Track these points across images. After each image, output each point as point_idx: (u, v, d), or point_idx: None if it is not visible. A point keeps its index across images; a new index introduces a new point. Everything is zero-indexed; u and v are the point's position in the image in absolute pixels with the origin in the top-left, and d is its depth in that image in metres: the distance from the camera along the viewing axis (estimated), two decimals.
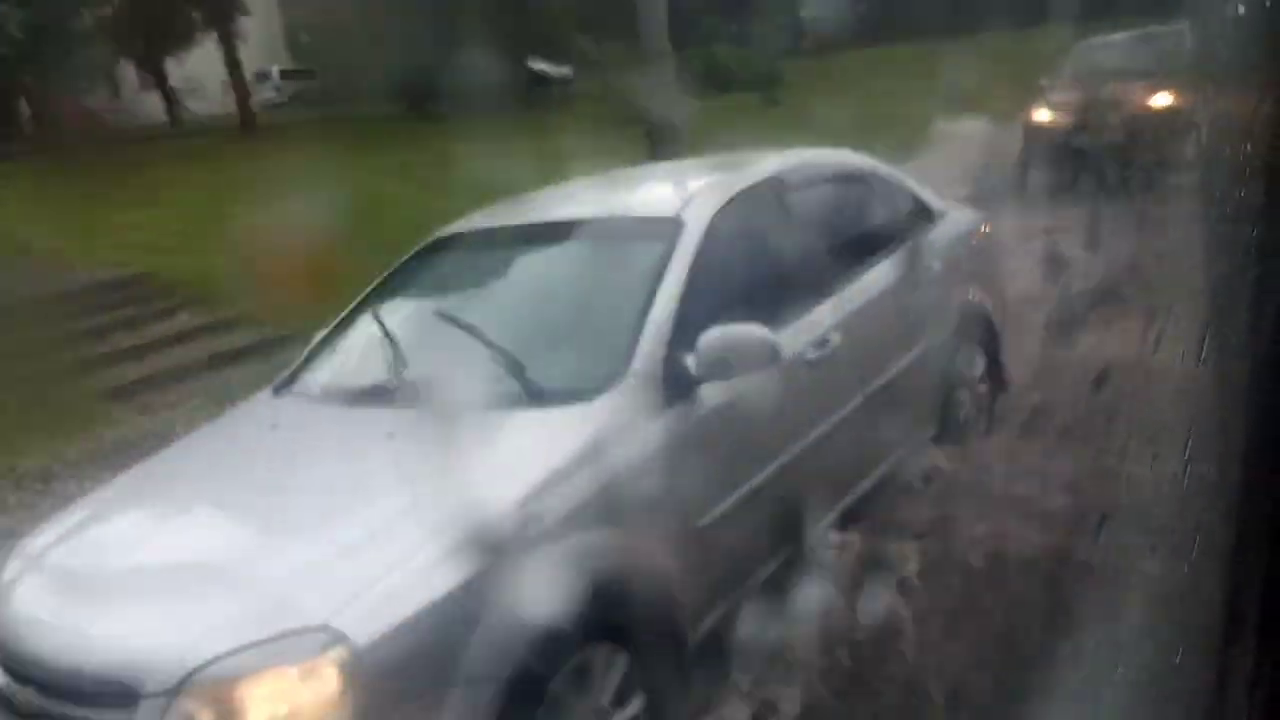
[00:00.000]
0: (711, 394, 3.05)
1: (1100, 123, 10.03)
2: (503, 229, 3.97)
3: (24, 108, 24.38)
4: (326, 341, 3.81)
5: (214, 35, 23.96)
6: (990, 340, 4.66)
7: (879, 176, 4.48)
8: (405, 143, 16.88)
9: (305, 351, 3.81)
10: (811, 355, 3.49)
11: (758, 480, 3.18)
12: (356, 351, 3.65)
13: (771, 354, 2.98)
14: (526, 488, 2.60)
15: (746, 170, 3.94)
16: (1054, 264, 7.02)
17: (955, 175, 10.47)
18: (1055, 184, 9.56)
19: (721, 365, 2.97)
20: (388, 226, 9.97)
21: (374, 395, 3.27)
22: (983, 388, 4.64)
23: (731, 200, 3.58)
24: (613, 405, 2.86)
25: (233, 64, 23.87)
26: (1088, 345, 5.23)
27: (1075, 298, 6.22)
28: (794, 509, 3.39)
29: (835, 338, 3.59)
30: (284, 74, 30.15)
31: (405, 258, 3.96)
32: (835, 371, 3.57)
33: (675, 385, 2.97)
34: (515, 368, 3.09)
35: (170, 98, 25.54)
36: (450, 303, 3.58)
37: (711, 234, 3.37)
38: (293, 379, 3.69)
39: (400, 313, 3.66)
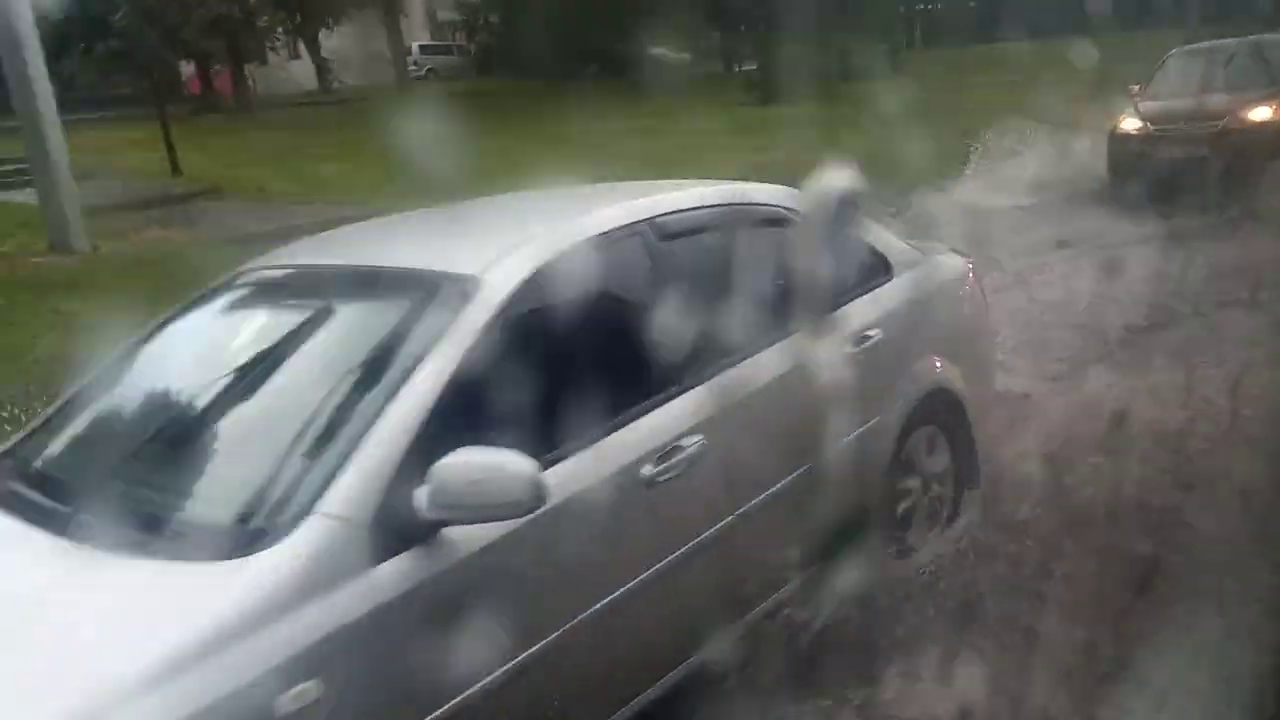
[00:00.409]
0: (465, 539, 2.12)
1: (1192, 135, 9.49)
2: (293, 274, 3.00)
3: (187, 71, 27.06)
4: (76, 404, 2.73)
5: (368, 11, 25.40)
6: (957, 424, 3.66)
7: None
8: (551, 114, 17.11)
9: (47, 412, 2.82)
10: (650, 471, 2.53)
11: (518, 662, 2.19)
12: (72, 430, 2.65)
13: (529, 496, 2.07)
14: (79, 703, 1.68)
15: (608, 211, 2.96)
16: (1115, 288, 6.36)
17: (1036, 183, 9.95)
18: (1139, 197, 8.94)
19: (462, 507, 2.07)
20: (562, 180, 11.64)
21: (30, 506, 2.33)
22: (941, 486, 3.62)
23: (567, 254, 2.64)
24: (278, 564, 1.92)
25: (395, 38, 25.52)
26: (1132, 402, 4.39)
27: (1129, 333, 5.56)
28: (583, 691, 2.41)
29: (695, 444, 2.65)
30: (423, 49, 31.14)
31: (190, 301, 2.94)
32: (691, 490, 2.63)
33: (398, 530, 2.05)
34: (164, 493, 2.22)
35: (323, 68, 27.01)
36: (167, 380, 2.68)
37: (520, 302, 2.46)
38: (28, 447, 2.66)
39: (124, 385, 2.74)
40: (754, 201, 3.43)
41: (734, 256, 3.15)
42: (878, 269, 3.55)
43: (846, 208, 3.38)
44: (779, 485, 2.94)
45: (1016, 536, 3.53)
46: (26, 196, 12.17)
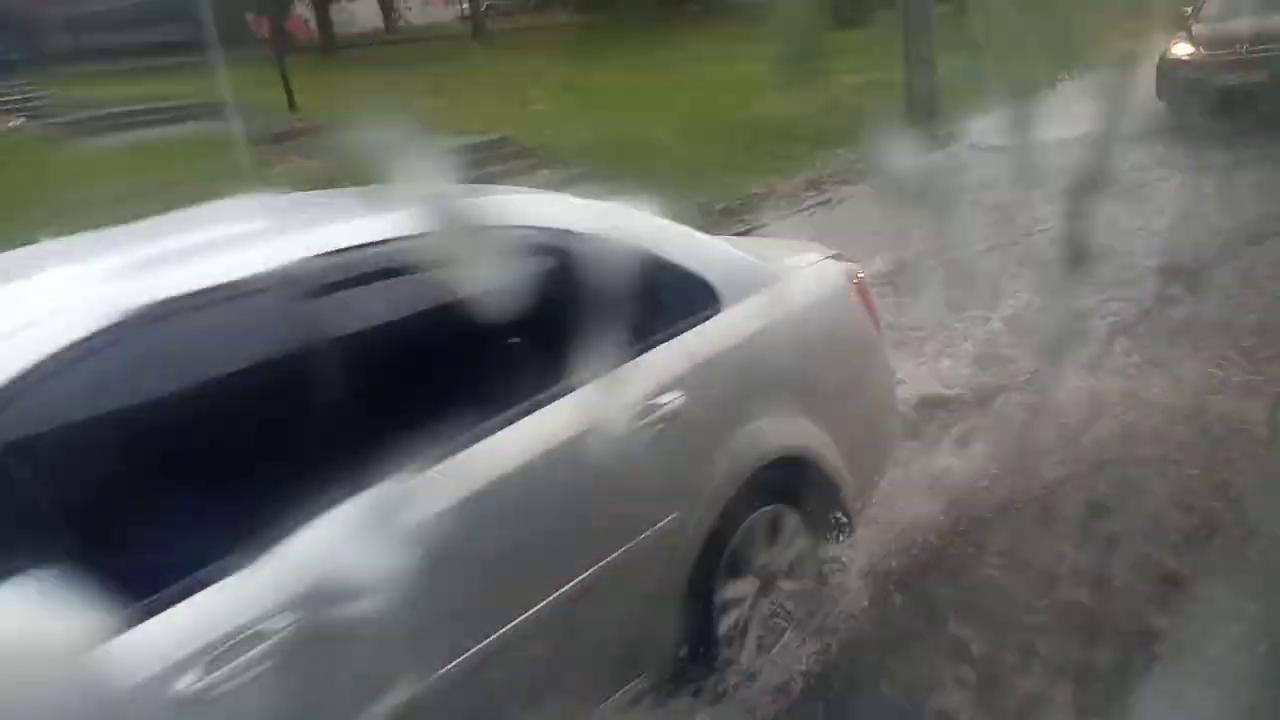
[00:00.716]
0: None
1: (1249, 59, 8.90)
2: None
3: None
4: None
5: None
6: (819, 498, 2.85)
7: (596, 244, 2.46)
8: (626, 46, 17.68)
9: None
10: (188, 685, 1.67)
11: None
12: None
13: None
14: None
15: (222, 259, 2.00)
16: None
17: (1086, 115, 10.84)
18: (1192, 129, 8.53)
19: None
20: (664, 107, 12.34)
21: None
22: (793, 584, 2.82)
23: (120, 331, 1.78)
24: None
25: None
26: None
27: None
28: None
29: (283, 621, 1.77)
30: None
31: None
32: (283, 687, 1.75)
33: None
34: None
35: (388, 7, 27.37)
36: None
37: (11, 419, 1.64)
38: None
39: None
40: (502, 224, 2.45)
41: (451, 312, 2.16)
42: (694, 303, 2.67)
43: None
44: (485, 642, 2.09)
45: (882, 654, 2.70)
46: (163, 134, 13.17)
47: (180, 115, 13.23)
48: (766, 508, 2.75)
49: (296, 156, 11.17)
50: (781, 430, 2.80)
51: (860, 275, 3.20)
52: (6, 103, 14.84)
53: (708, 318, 2.68)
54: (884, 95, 11.42)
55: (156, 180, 9.82)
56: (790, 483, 2.81)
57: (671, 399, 2.49)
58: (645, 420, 2.44)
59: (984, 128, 10.32)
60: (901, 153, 9.27)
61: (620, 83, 14.26)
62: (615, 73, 15.05)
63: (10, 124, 14.05)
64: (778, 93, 11.24)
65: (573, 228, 2.50)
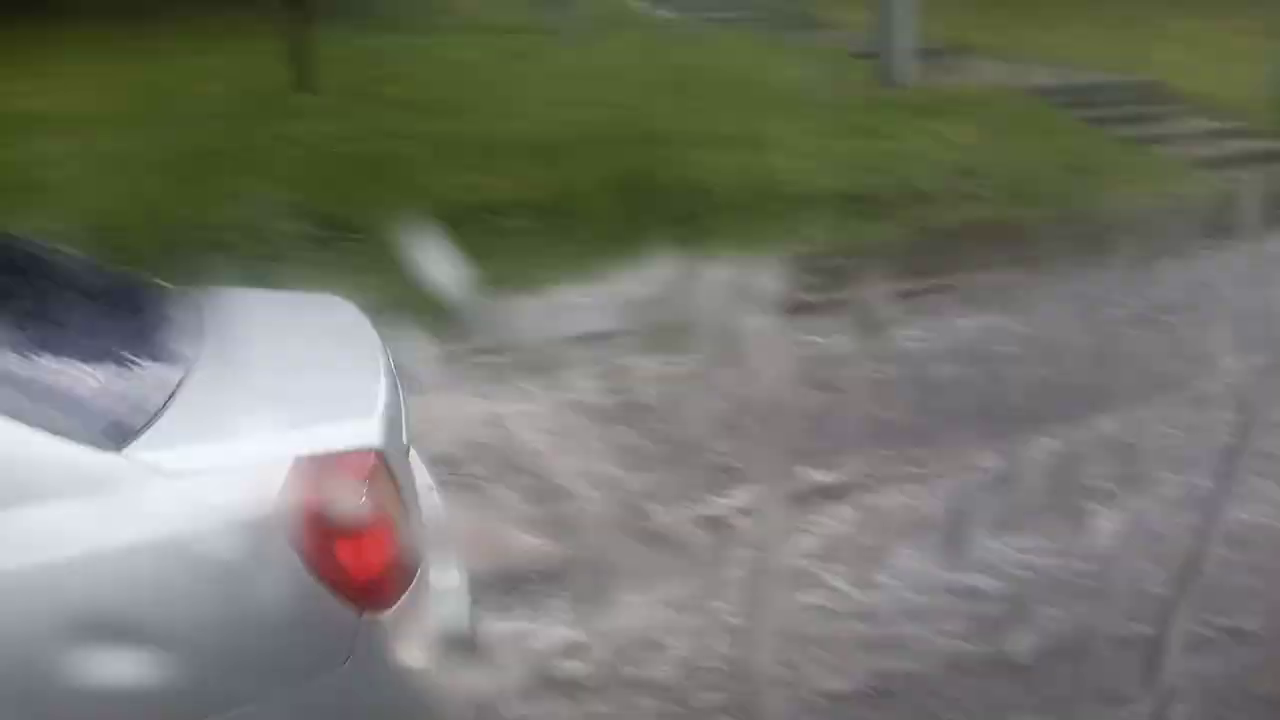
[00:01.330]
0: None
1: None
2: None
3: None
4: None
5: None
6: None
7: None
8: None
9: None
10: None
11: None
12: None
13: None
14: None
15: None
16: None
17: None
18: None
19: None
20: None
21: None
22: None
23: None
24: None
25: None
26: None
27: None
28: None
29: None
30: None
31: None
32: None
33: None
34: None
35: None
36: None
37: None
38: None
39: None
40: None
41: None
42: None
43: None
44: None
45: None
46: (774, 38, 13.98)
47: (793, 24, 13.82)
48: None
49: (934, 74, 11.21)
50: None
51: (355, 503, 1.61)
52: None
53: None
54: None
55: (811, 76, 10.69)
56: None
57: None
58: None
59: None
60: None
61: (1245, 41, 13.19)
62: (1240, 29, 13.88)
63: (659, 10, 15.97)
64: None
65: None
